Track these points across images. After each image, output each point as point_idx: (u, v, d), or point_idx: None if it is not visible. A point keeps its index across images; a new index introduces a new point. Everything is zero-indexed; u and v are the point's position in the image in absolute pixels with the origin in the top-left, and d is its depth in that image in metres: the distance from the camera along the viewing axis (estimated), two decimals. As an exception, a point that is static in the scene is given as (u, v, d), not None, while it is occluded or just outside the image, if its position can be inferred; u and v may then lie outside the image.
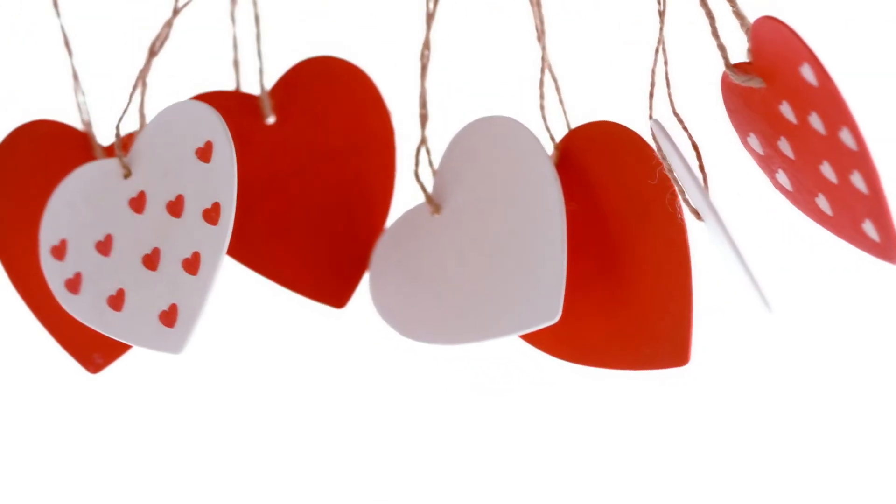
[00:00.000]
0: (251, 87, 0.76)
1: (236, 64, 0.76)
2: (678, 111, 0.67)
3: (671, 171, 0.66)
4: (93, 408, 0.85)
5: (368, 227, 0.76)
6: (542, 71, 0.71)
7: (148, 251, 0.68)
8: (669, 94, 0.67)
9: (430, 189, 0.73)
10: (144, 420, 0.86)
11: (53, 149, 0.75)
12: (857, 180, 0.60)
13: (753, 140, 0.66)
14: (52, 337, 0.74)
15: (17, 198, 0.74)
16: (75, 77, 0.74)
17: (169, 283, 0.66)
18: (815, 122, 0.61)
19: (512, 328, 0.67)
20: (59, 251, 0.70)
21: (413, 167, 0.73)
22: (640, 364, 0.69)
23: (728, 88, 0.65)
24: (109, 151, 0.75)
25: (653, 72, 0.67)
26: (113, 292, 0.68)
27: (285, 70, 0.76)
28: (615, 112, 0.70)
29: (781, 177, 0.65)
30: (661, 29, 0.66)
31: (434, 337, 0.69)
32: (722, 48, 0.64)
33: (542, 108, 0.71)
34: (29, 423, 0.86)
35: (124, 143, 0.71)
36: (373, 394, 0.84)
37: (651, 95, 0.67)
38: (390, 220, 0.76)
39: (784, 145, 0.64)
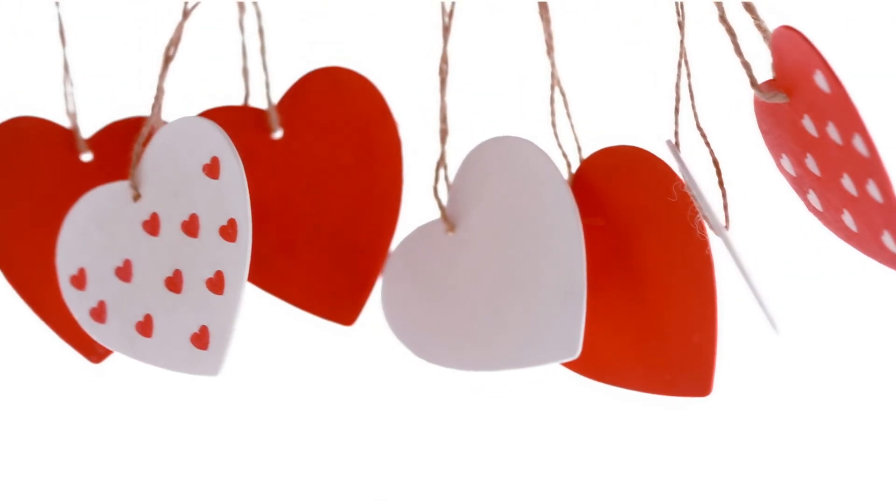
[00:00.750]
0: (258, 99, 0.76)
1: (245, 72, 0.75)
2: (701, 125, 0.66)
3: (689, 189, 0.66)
4: (98, 413, 0.85)
5: (376, 242, 0.75)
6: (552, 87, 0.71)
7: (169, 273, 0.67)
8: (693, 108, 0.66)
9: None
10: (149, 432, 0.86)
11: (36, 145, 0.74)
12: (873, 189, 0.59)
13: (785, 161, 0.65)
14: (51, 330, 0.74)
15: (4, 196, 0.74)
16: (66, 68, 0.73)
17: (196, 304, 0.66)
18: (832, 132, 0.60)
19: (530, 361, 0.67)
20: (79, 280, 0.70)
21: (432, 183, 0.72)
22: (659, 389, 0.69)
23: (760, 109, 0.64)
24: (91, 145, 0.74)
25: (677, 86, 0.66)
26: (140, 318, 0.68)
27: (293, 82, 0.75)
28: (630, 126, 0.70)
29: (812, 197, 0.64)
30: (682, 41, 0.65)
31: (450, 361, 0.69)
32: (746, 66, 0.63)
33: (553, 124, 0.71)
34: (30, 422, 0.86)
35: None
36: (379, 405, 0.84)
37: (676, 111, 0.66)
38: (399, 233, 0.75)
39: (810, 162, 0.63)
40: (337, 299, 0.75)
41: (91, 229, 0.70)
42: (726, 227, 0.66)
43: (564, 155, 0.70)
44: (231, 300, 0.64)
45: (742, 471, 0.84)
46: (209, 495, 0.85)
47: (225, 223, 0.65)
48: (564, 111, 0.71)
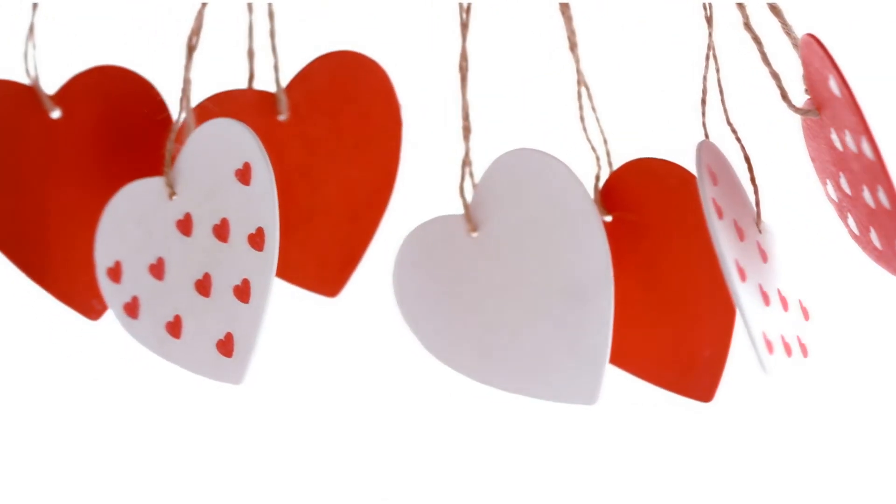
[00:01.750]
0: (267, 84, 0.75)
1: (251, 54, 0.74)
2: (731, 121, 0.65)
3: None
4: (98, 412, 0.85)
5: (369, 218, 0.75)
6: (579, 83, 0.70)
7: (199, 276, 0.67)
8: (723, 103, 0.65)
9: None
10: (139, 417, 0.86)
11: (5, 107, 0.73)
12: (882, 196, 0.58)
13: (829, 186, 0.64)
14: (47, 293, 0.73)
15: None
16: (31, 29, 0.73)
17: (223, 310, 0.66)
18: (850, 141, 0.59)
19: (547, 396, 0.67)
20: (115, 273, 0.70)
21: (458, 181, 0.71)
22: (664, 384, 0.70)
23: (806, 132, 0.63)
24: (58, 101, 0.74)
25: (704, 78, 0.66)
26: (170, 318, 0.68)
27: (302, 66, 0.75)
28: (657, 122, 0.70)
29: (851, 222, 0.63)
30: (711, 34, 0.65)
31: (456, 364, 0.69)
32: (775, 76, 0.63)
33: (581, 118, 0.70)
34: (29, 421, 0.86)
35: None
36: (380, 405, 0.84)
37: (703, 102, 0.66)
38: (405, 221, 0.74)
39: (843, 181, 0.61)
40: (325, 272, 0.75)
41: (128, 223, 0.70)
42: (758, 224, 0.66)
43: (593, 149, 0.70)
44: (256, 309, 0.64)
45: (743, 474, 0.85)
46: (207, 492, 0.85)
47: (253, 231, 0.65)
48: (589, 105, 0.70)
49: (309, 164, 0.75)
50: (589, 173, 0.70)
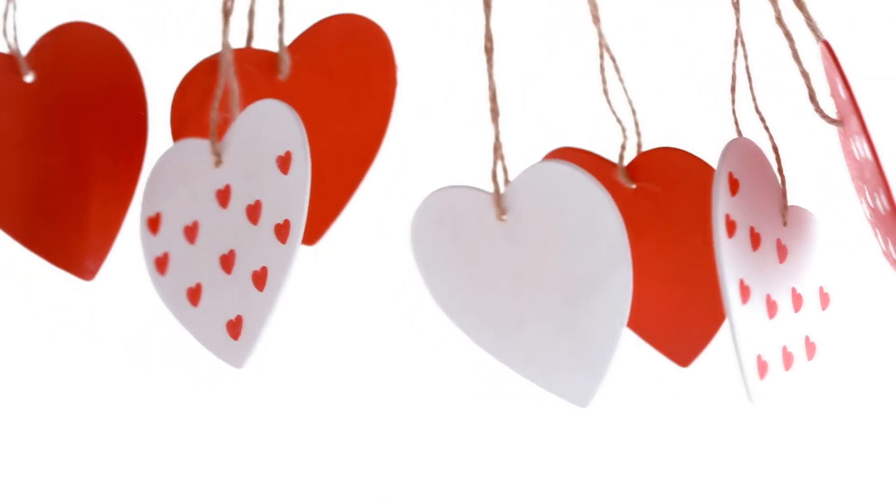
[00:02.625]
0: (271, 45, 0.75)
1: (251, 14, 0.73)
2: (760, 109, 0.66)
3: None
4: (98, 410, 0.86)
5: (352, 175, 0.76)
6: (601, 56, 0.70)
7: (225, 251, 0.67)
8: (752, 90, 0.65)
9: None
10: (146, 430, 0.87)
11: None
12: (883, 200, 0.58)
13: (862, 203, 0.62)
14: (39, 256, 0.73)
15: None
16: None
17: (238, 291, 0.66)
18: (860, 147, 0.59)
19: (545, 385, 0.67)
20: (154, 224, 0.70)
21: (490, 166, 0.69)
22: (653, 342, 0.72)
23: (843, 150, 0.62)
24: (30, 62, 0.73)
25: (733, 64, 0.65)
26: (192, 284, 0.68)
27: (305, 28, 0.74)
28: (684, 107, 0.72)
29: (879, 237, 0.62)
30: (738, 20, 0.64)
31: (477, 337, 0.69)
32: (805, 75, 0.63)
33: (605, 92, 0.70)
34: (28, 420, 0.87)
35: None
36: (381, 404, 0.86)
37: (732, 89, 0.66)
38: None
39: (867, 194, 0.60)
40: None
41: (175, 179, 0.70)
42: (784, 217, 0.66)
43: (619, 121, 0.71)
44: (268, 299, 0.64)
45: (743, 474, 0.85)
46: (205, 488, 0.87)
47: (281, 222, 0.65)
48: (616, 77, 0.71)
49: (303, 120, 0.75)
50: (617, 143, 0.71)
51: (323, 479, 0.86)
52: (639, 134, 0.72)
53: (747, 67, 0.66)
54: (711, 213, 0.62)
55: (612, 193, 0.66)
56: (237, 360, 0.65)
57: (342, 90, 0.75)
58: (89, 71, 0.74)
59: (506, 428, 0.85)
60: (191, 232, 0.69)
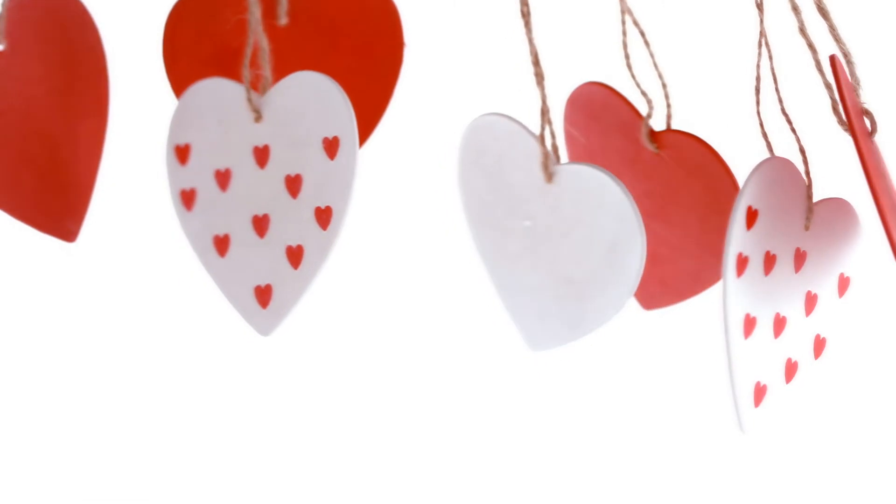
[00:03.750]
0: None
1: None
2: (786, 110, 0.66)
3: None
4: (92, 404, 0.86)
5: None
6: (623, 22, 0.70)
7: (259, 213, 0.66)
8: (777, 91, 0.65)
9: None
10: (125, 418, 0.86)
11: None
12: None
13: None
14: (18, 220, 0.73)
15: None
16: None
17: (271, 260, 0.65)
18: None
19: (510, 311, 0.68)
20: (183, 154, 0.68)
21: (539, 130, 0.67)
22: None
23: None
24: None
25: (758, 66, 0.66)
26: (220, 233, 0.67)
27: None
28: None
29: None
30: (762, 21, 0.64)
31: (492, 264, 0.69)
32: (829, 87, 0.63)
33: (628, 66, 0.70)
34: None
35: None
36: (382, 404, 0.86)
37: (757, 91, 0.66)
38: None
39: None
40: None
41: (209, 113, 0.67)
42: (808, 222, 0.66)
43: (644, 93, 0.71)
44: (303, 278, 0.64)
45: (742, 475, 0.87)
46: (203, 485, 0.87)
47: (322, 206, 0.64)
48: (645, 49, 0.71)
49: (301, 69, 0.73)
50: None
51: (324, 471, 0.89)
52: (669, 105, 0.72)
53: (772, 69, 0.66)
54: (724, 248, 0.63)
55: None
56: (264, 328, 0.66)
57: (343, 40, 0.73)
58: (54, 34, 0.72)
59: (506, 424, 0.87)
60: (222, 178, 0.67)
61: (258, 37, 0.67)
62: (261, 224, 0.66)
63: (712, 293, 0.71)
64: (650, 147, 0.72)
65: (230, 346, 0.84)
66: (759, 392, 0.65)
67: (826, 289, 0.67)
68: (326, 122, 0.64)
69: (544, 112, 0.67)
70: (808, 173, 0.66)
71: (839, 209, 0.67)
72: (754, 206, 0.64)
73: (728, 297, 0.63)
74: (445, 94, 0.79)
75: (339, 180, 0.64)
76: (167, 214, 0.69)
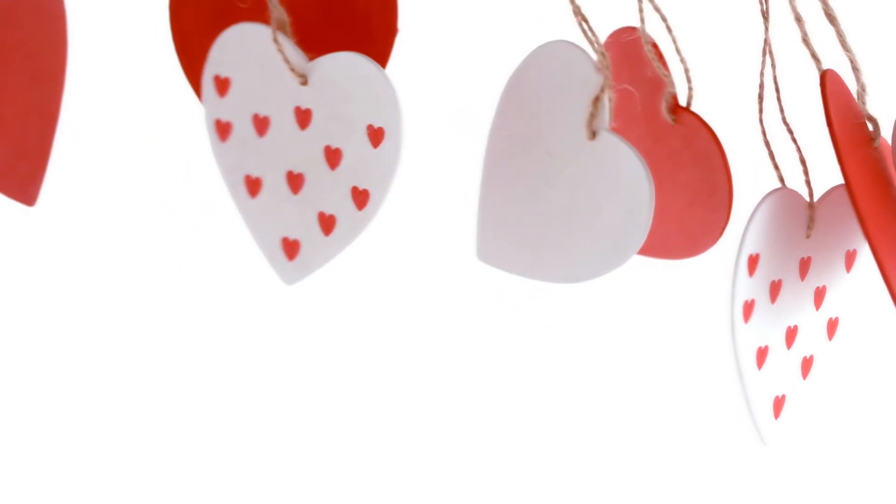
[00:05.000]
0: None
1: None
2: (787, 120, 0.67)
3: None
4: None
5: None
6: (641, 20, 0.70)
7: (295, 171, 0.66)
8: (779, 101, 0.67)
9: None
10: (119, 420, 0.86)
11: None
12: None
13: None
14: None
15: None
16: None
17: (301, 217, 0.66)
18: None
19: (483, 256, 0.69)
20: (222, 86, 0.67)
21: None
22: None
23: None
24: None
25: (761, 73, 0.67)
26: (252, 175, 0.67)
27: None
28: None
29: None
30: (767, 30, 0.65)
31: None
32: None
33: (651, 48, 0.71)
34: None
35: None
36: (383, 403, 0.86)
37: (760, 98, 0.67)
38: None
39: None
40: None
41: (252, 56, 0.66)
42: (809, 230, 0.68)
43: (665, 74, 0.71)
44: (332, 246, 0.65)
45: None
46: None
47: (360, 188, 0.64)
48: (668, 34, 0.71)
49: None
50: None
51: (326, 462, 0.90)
52: (691, 89, 0.72)
53: (775, 77, 0.66)
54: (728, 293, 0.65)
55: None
56: (289, 278, 0.67)
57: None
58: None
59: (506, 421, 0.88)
60: (261, 124, 0.67)
61: (281, 15, 0.66)
62: (295, 181, 0.66)
63: (719, 282, 0.70)
64: (667, 117, 0.72)
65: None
66: (778, 404, 0.67)
67: (834, 274, 0.68)
68: (373, 111, 0.64)
69: (605, 86, 0.66)
70: (808, 182, 0.67)
71: (839, 196, 0.67)
72: (755, 252, 0.65)
73: (738, 339, 0.65)
74: (434, 85, 0.78)
75: (380, 169, 0.64)
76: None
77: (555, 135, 0.67)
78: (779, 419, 0.67)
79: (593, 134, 0.66)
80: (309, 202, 0.66)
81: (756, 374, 0.66)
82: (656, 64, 0.70)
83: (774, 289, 0.66)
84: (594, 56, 0.66)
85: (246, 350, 0.91)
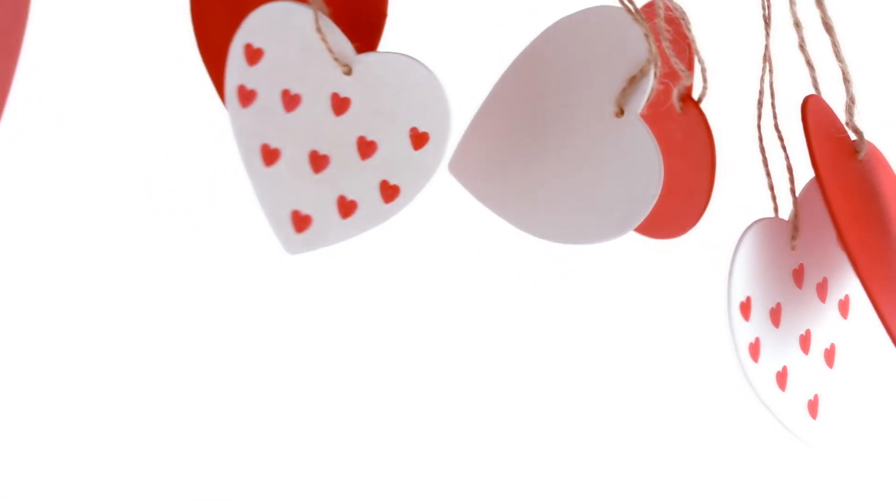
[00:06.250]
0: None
1: None
2: (780, 127, 0.68)
3: None
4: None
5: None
6: (657, 15, 0.69)
7: (320, 152, 0.66)
8: (773, 107, 0.68)
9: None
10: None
11: None
12: None
13: None
14: None
15: None
16: None
17: (319, 196, 0.66)
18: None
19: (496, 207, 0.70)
20: (253, 55, 0.67)
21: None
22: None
23: None
24: None
25: (761, 79, 0.68)
26: (271, 145, 0.67)
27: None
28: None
29: None
30: (768, 35, 0.66)
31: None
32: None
33: (669, 45, 0.70)
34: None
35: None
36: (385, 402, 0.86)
37: (759, 104, 0.68)
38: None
39: None
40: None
41: (296, 37, 0.66)
42: (794, 241, 0.68)
43: (677, 62, 0.70)
44: (348, 229, 0.66)
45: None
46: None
47: (391, 182, 0.65)
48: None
49: None
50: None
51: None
52: (705, 88, 0.73)
53: (771, 83, 0.68)
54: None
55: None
56: (293, 248, 0.68)
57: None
58: None
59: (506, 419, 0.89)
60: (291, 100, 0.67)
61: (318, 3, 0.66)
62: (318, 162, 0.67)
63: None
64: (676, 105, 0.73)
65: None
66: (812, 406, 0.68)
67: (829, 260, 0.69)
68: (420, 115, 0.64)
69: (651, 58, 0.66)
70: (793, 191, 0.68)
71: (814, 187, 0.68)
72: (745, 298, 0.66)
73: (753, 378, 0.66)
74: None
75: (417, 171, 0.65)
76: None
77: (580, 95, 0.67)
78: (818, 419, 0.67)
79: (621, 111, 0.66)
80: (330, 183, 0.66)
81: (781, 396, 0.66)
82: (674, 60, 0.69)
83: (775, 315, 0.67)
84: (644, 37, 0.66)
85: (244, 347, 0.91)
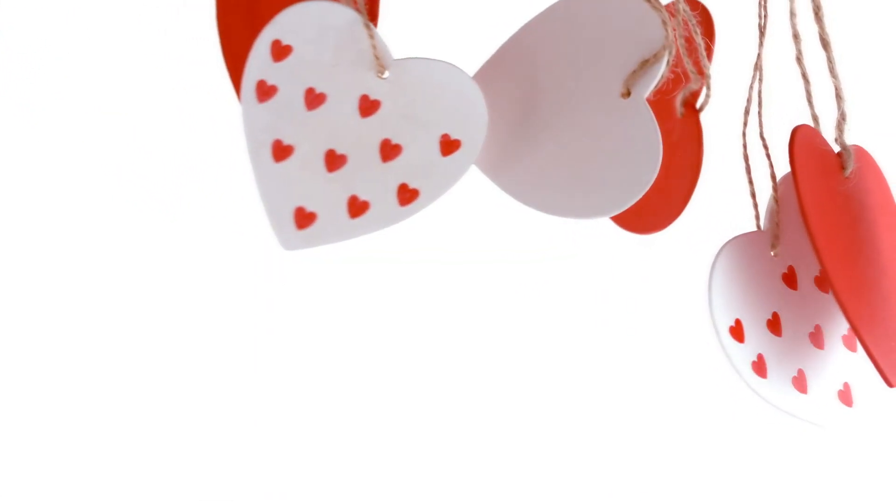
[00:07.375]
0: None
1: None
2: (765, 135, 0.69)
3: None
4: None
5: None
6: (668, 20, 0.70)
7: (338, 151, 0.66)
8: (760, 115, 0.69)
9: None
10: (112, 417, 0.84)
11: None
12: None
13: None
14: None
15: None
16: None
17: (327, 195, 0.66)
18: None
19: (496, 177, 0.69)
20: (279, 52, 0.67)
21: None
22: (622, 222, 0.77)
23: None
24: None
25: (750, 88, 0.68)
26: (285, 141, 0.67)
27: None
28: None
29: None
30: (761, 44, 0.68)
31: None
32: (815, 119, 0.67)
33: (677, 48, 0.71)
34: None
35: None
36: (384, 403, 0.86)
37: (746, 112, 0.69)
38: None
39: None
40: None
41: (331, 37, 0.67)
42: (777, 252, 0.69)
43: (691, 71, 0.72)
44: (354, 229, 0.66)
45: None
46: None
47: (410, 185, 0.66)
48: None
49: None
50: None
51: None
52: (708, 96, 0.74)
53: (760, 92, 0.69)
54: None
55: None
56: (290, 244, 0.67)
57: None
58: None
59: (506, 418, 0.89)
60: (314, 99, 0.67)
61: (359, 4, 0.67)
62: (334, 161, 0.67)
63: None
64: (679, 108, 0.74)
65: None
66: (845, 395, 0.66)
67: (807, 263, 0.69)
68: (455, 123, 0.66)
69: (667, 45, 0.67)
70: (776, 199, 0.69)
71: (789, 184, 0.69)
72: (733, 322, 0.66)
73: (767, 395, 0.65)
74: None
75: (443, 177, 0.66)
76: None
77: (590, 70, 0.67)
78: (854, 406, 0.66)
79: (628, 93, 0.67)
80: (343, 183, 0.67)
81: (804, 399, 0.66)
82: (686, 61, 0.70)
83: (774, 326, 0.67)
84: (662, 24, 0.66)
85: (239, 343, 0.89)
